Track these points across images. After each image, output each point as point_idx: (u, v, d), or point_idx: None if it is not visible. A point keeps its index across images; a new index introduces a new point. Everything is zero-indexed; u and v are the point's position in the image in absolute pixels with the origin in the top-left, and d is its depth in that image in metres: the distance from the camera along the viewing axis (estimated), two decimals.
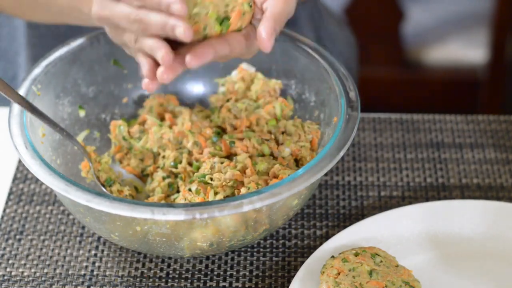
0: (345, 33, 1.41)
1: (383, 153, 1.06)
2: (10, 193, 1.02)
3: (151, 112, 1.01)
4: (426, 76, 2.00)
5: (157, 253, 0.91)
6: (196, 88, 1.05)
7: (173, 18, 0.79)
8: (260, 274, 0.93)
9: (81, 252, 0.95)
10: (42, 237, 0.97)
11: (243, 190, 0.88)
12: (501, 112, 1.62)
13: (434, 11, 2.04)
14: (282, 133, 0.96)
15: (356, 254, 0.87)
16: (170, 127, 0.99)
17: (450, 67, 1.98)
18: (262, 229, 0.89)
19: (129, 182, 0.98)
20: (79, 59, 0.99)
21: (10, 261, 0.94)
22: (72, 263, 0.94)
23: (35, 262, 0.94)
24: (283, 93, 1.01)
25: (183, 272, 0.93)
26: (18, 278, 0.93)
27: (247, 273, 0.93)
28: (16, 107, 0.91)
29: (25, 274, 0.93)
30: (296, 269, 0.93)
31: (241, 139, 0.95)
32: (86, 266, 0.94)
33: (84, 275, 0.93)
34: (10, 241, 0.96)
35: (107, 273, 0.93)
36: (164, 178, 0.96)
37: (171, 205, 0.81)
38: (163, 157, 0.98)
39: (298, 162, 0.95)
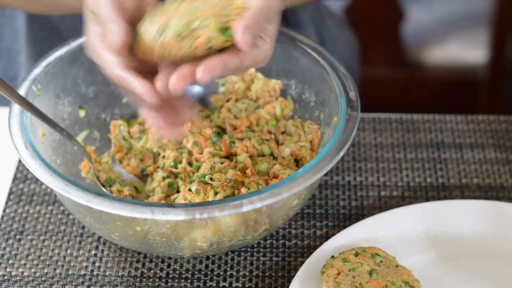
0: (345, 33, 1.41)
1: (383, 153, 1.06)
2: (10, 193, 1.02)
3: None
4: (426, 76, 2.00)
5: (157, 253, 0.91)
6: (196, 88, 1.05)
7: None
8: (260, 274, 0.93)
9: (81, 252, 0.95)
10: (42, 237, 0.97)
11: (243, 190, 0.88)
12: (501, 112, 1.62)
13: (434, 11, 2.04)
14: (282, 133, 0.96)
15: (356, 254, 0.87)
16: None
17: (450, 67, 1.98)
18: (262, 229, 0.89)
19: (129, 182, 0.98)
20: (79, 59, 0.99)
21: (10, 261, 0.94)
22: (72, 263, 0.94)
23: (35, 262, 0.94)
24: (283, 93, 1.01)
25: (183, 272, 0.93)
26: (18, 278, 0.93)
27: (247, 273, 0.93)
28: (16, 107, 0.91)
29: (25, 274, 0.93)
30: (296, 269, 0.93)
31: (241, 139, 0.95)
32: (86, 266, 0.94)
33: (84, 275, 0.93)
34: (10, 241, 0.96)
35: (107, 273, 0.93)
36: (164, 178, 0.96)
37: (171, 205, 0.81)
38: (163, 157, 0.98)
39: (298, 162, 0.95)
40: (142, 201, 0.81)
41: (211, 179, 0.90)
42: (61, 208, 1.00)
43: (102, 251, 0.95)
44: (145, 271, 0.93)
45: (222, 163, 0.92)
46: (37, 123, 0.92)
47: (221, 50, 0.81)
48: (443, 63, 1.98)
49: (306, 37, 0.99)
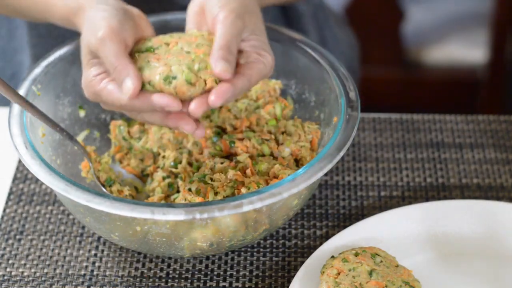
0: (346, 33, 1.42)
1: (383, 153, 1.06)
2: (10, 193, 1.02)
3: None
4: (426, 76, 2.00)
5: (157, 253, 0.91)
6: None
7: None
8: (260, 274, 0.93)
9: (81, 252, 0.95)
10: (42, 237, 0.97)
11: (243, 190, 0.88)
12: (501, 112, 1.62)
13: (434, 11, 2.04)
14: (282, 133, 0.96)
15: (356, 254, 0.87)
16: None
17: (450, 67, 1.98)
18: (262, 229, 0.89)
19: (129, 182, 0.98)
20: (79, 59, 0.99)
21: (10, 261, 0.94)
22: (72, 263, 0.94)
23: (35, 262, 0.94)
24: (283, 93, 1.01)
25: (183, 272, 0.93)
26: (18, 278, 0.93)
27: (247, 273, 0.93)
28: (16, 107, 0.91)
29: (25, 274, 0.93)
30: (296, 269, 0.93)
31: (241, 139, 0.95)
32: (86, 266, 0.94)
33: (84, 275, 0.93)
34: (10, 241, 0.96)
35: (107, 273, 0.93)
36: (164, 178, 0.96)
37: (171, 205, 0.81)
38: (163, 157, 0.98)
39: (298, 162, 0.95)
40: (142, 201, 0.81)
41: (211, 179, 0.90)
42: (61, 208, 1.00)
43: (102, 251, 0.95)
44: (145, 271, 0.93)
45: (222, 163, 0.92)
46: (37, 123, 0.92)
47: None
48: (443, 63, 1.98)
49: (306, 34, 0.99)
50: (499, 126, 1.09)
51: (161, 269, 0.93)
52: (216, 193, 0.89)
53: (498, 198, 1.00)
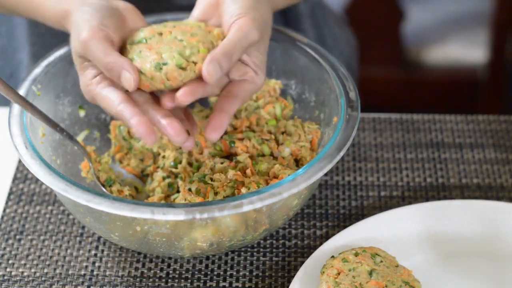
0: (345, 33, 1.41)
1: (383, 153, 1.06)
2: (10, 193, 1.02)
3: None
4: (426, 76, 2.00)
5: (157, 253, 0.91)
6: None
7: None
8: (260, 274, 0.93)
9: (81, 252, 0.95)
10: (42, 237, 0.97)
11: (243, 190, 0.88)
12: (501, 112, 1.62)
13: (434, 11, 2.04)
14: (282, 133, 0.96)
15: (356, 254, 0.87)
16: None
17: (450, 67, 1.98)
18: (262, 229, 0.89)
19: (129, 182, 0.98)
20: None
21: (10, 261, 0.94)
22: (72, 263, 0.94)
23: (35, 262, 0.94)
24: (283, 93, 1.01)
25: (183, 272, 0.93)
26: (18, 278, 0.93)
27: (247, 273, 0.93)
28: (16, 107, 0.91)
29: (25, 274, 0.93)
30: (296, 269, 0.93)
31: (241, 139, 0.95)
32: (86, 266, 0.94)
33: (84, 275, 0.93)
34: (10, 241, 0.96)
35: (107, 273, 0.93)
36: (164, 178, 0.96)
37: (171, 205, 0.81)
38: (163, 157, 0.98)
39: (298, 162, 0.95)
40: (142, 201, 0.81)
41: (211, 179, 0.90)
42: (61, 208, 1.00)
43: (102, 251, 0.95)
44: (145, 271, 0.93)
45: (222, 163, 0.92)
46: (37, 123, 0.92)
47: None
48: (443, 63, 1.98)
49: (304, 32, 0.99)
50: (499, 126, 1.09)
51: (161, 269, 0.93)
52: (216, 193, 0.89)
53: (498, 198, 1.00)
